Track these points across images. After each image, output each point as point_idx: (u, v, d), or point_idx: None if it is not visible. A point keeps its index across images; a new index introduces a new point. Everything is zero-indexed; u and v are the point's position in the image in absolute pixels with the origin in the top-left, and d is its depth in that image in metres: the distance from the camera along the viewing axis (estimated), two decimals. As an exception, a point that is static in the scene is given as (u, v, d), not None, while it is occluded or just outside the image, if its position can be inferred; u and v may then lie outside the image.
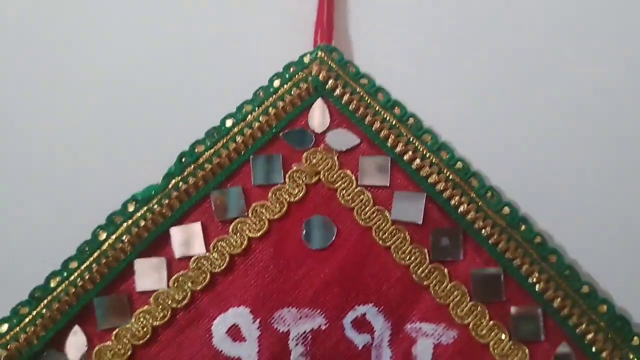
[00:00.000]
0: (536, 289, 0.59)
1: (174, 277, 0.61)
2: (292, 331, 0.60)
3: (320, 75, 0.62)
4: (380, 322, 0.60)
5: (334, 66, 0.63)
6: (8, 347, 0.59)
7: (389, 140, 0.61)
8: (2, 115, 0.65)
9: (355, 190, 0.61)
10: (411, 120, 0.62)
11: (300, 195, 0.62)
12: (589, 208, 0.62)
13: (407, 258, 0.60)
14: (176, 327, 0.60)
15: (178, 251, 0.61)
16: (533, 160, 0.62)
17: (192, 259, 0.61)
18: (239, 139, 0.62)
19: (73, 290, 0.60)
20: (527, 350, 0.58)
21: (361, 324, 0.60)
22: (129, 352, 0.60)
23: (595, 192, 0.62)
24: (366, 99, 0.62)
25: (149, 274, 0.61)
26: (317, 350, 0.59)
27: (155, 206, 0.61)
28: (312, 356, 0.59)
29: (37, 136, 0.65)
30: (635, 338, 0.59)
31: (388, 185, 0.61)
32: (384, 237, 0.61)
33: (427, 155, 0.61)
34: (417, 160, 0.61)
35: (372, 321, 0.60)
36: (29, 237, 0.63)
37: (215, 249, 0.61)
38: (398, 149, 0.61)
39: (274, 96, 0.63)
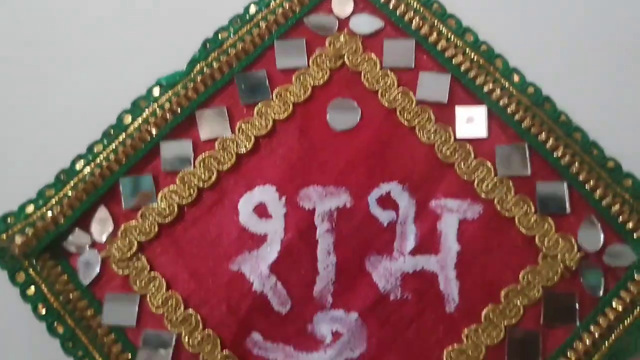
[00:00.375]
0: (561, 163, 0.61)
1: (199, 158, 0.63)
2: (318, 208, 0.62)
3: (343, -39, 0.64)
4: (405, 200, 0.61)
5: (355, -47, 0.65)
6: (35, 225, 0.60)
7: (414, 23, 0.64)
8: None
9: (380, 73, 0.63)
10: (435, 5, 0.64)
11: (325, 79, 0.64)
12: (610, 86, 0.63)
13: (432, 137, 0.62)
14: (202, 206, 0.62)
15: (204, 133, 0.63)
16: (554, 41, 0.64)
17: (218, 140, 0.63)
18: (262, 25, 0.64)
19: (99, 171, 0.62)
20: (552, 223, 0.60)
21: (386, 202, 0.62)
22: (155, 230, 0.61)
23: (614, 70, 0.63)
24: (389, -16, 0.64)
25: (174, 155, 0.63)
26: (343, 227, 0.61)
27: (181, 90, 0.63)
28: (337, 232, 0.61)
29: (63, 22, 0.66)
30: (661, 210, 0.60)
31: (413, 66, 0.63)
32: (408, 117, 0.63)
33: (452, 38, 0.63)
34: (442, 42, 0.63)
35: (397, 198, 0.62)
36: (53, 123, 0.65)
37: (240, 131, 0.63)
38: (423, 31, 0.63)
39: (297, -18, 0.65)
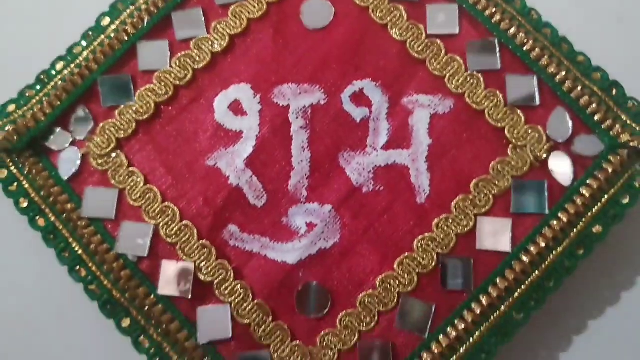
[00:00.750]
0: (531, 57, 0.62)
1: (176, 57, 0.64)
2: (292, 105, 0.63)
3: None
4: (378, 96, 0.63)
5: None
6: (16, 123, 0.62)
7: None
8: None
9: (353, -28, 0.64)
10: None
11: (299, -21, 0.65)
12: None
13: (404, 34, 0.63)
14: (179, 104, 0.64)
15: (179, 33, 0.64)
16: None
17: (193, 40, 0.64)
18: None
19: (78, 71, 0.64)
20: (522, 115, 0.61)
21: (359, 98, 0.63)
22: (133, 127, 0.63)
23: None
24: None
25: (151, 55, 0.64)
26: (317, 123, 0.63)
27: (158, -9, 0.64)
28: (311, 129, 0.63)
29: None
30: (630, 102, 0.61)
31: (385, -36, 0.64)
32: (381, 15, 0.64)
33: (422, -64, 0.64)
34: (412, -59, 0.64)
35: (370, 95, 0.63)
36: (34, 27, 0.66)
37: (215, 31, 0.64)
38: None
39: None
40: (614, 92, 0.62)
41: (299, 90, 0.63)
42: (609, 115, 0.61)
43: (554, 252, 0.59)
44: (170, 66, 0.64)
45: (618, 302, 0.63)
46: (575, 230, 0.60)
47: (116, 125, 0.63)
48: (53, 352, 0.64)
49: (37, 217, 0.62)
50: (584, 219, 0.60)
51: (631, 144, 0.60)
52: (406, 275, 0.60)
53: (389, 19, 0.63)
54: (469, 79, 0.62)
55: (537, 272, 0.59)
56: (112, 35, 0.64)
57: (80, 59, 0.64)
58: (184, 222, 0.61)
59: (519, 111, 0.62)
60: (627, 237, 0.62)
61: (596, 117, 0.61)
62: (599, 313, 0.63)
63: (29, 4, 0.70)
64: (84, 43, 0.65)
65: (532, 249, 0.59)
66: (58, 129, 0.63)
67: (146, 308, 0.60)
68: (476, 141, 0.62)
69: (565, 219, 0.59)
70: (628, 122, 0.61)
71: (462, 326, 0.59)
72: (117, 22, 0.65)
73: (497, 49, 0.62)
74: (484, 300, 0.59)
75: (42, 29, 0.70)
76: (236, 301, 0.60)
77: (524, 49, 0.62)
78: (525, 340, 0.61)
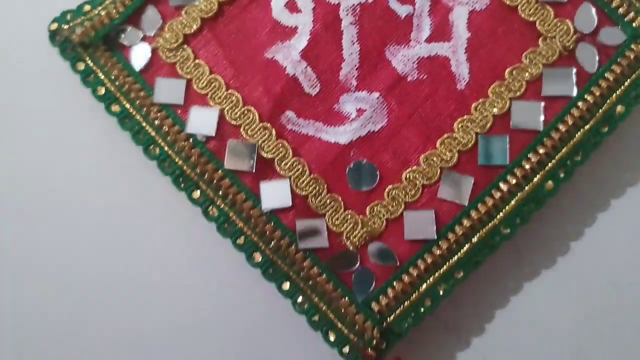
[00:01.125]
0: (559, -38, 0.69)
1: (235, -38, 0.71)
2: (342, 3, 0.70)
3: None
4: (421, -5, 0.70)
5: None
6: (92, 20, 0.69)
7: None
8: None
9: None
10: None
11: None
12: None
13: (443, -55, 0.70)
14: (240, 4, 0.71)
15: (239, -54, 0.71)
16: None
17: (251, -51, 0.71)
18: None
19: (146, -23, 0.71)
20: (550, 9, 0.68)
21: (403, -3, 0.70)
22: (198, 24, 0.70)
23: None
24: None
25: (213, -39, 0.71)
26: (365, 20, 0.70)
27: None
28: (360, 25, 0.70)
29: None
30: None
31: None
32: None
33: None
34: None
35: (413, -6, 0.70)
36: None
37: (269, -53, 0.71)
38: None
39: None
40: (635, -16, 0.68)
41: (348, -10, 0.70)
42: (631, 9, 0.68)
43: (582, 129, 0.66)
44: (231, -30, 0.71)
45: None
46: (600, 110, 0.67)
47: (183, 23, 0.70)
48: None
49: (113, 104, 0.69)
50: (608, 100, 0.67)
51: (651, 34, 0.67)
52: (447, 153, 0.67)
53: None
54: (503, -22, 0.69)
55: (565, 148, 0.66)
56: (177, -53, 0.71)
57: (149, -35, 0.71)
58: (247, 106, 0.68)
59: (548, 6, 0.69)
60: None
61: (619, 11, 0.68)
62: (620, 192, 0.70)
63: None
64: (151, -46, 0.72)
65: (561, 127, 0.66)
66: (129, 27, 0.71)
67: (214, 182, 0.67)
68: (510, 34, 0.69)
69: (591, 100, 0.67)
70: (648, 15, 0.68)
71: (498, 195, 0.66)
72: (182, -62, 0.71)
73: (528, -47, 0.69)
74: (518, 172, 0.66)
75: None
76: (295, 175, 0.67)
77: (553, -43, 0.69)
78: (551, 216, 0.68)
